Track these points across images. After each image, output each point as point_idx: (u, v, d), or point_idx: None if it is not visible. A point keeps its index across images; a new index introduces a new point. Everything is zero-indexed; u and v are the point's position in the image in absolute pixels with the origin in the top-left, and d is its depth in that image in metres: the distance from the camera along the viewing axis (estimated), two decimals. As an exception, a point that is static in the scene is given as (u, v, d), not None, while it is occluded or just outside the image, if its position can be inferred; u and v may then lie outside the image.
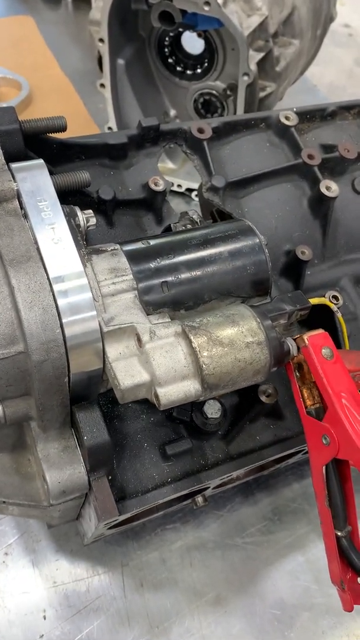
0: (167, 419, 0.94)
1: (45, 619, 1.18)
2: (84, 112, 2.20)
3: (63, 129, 0.94)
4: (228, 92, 1.79)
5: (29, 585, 1.21)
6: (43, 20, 2.61)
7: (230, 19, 1.45)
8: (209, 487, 1.07)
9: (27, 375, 0.77)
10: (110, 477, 0.90)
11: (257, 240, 0.91)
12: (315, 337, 0.82)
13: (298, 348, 0.84)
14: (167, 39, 1.80)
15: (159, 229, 1.07)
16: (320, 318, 1.05)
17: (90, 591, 1.22)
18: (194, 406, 0.93)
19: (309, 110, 1.26)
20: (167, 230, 1.08)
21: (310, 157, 1.15)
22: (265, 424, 1.02)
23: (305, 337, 0.83)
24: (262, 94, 1.66)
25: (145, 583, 1.24)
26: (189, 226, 1.12)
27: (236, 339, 0.78)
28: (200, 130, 1.12)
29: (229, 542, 1.30)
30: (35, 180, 0.80)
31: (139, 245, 0.87)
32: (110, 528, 1.03)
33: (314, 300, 0.89)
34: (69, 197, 1.00)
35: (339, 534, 0.84)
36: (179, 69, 1.86)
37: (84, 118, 2.19)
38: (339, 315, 0.98)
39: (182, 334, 0.78)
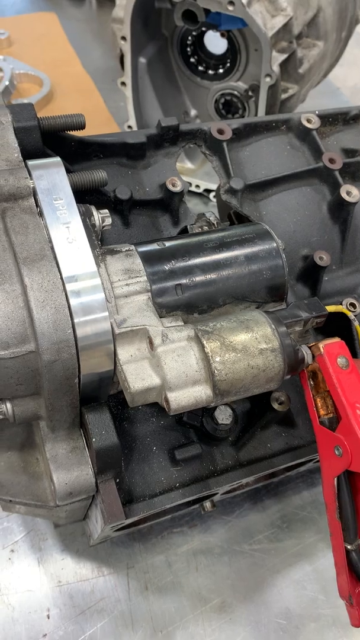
0: (177, 423, 0.93)
1: (49, 618, 1.18)
2: (104, 110, 2.20)
3: (82, 126, 0.93)
4: (250, 93, 1.78)
5: (33, 584, 1.21)
6: (67, 16, 2.62)
7: (254, 19, 1.43)
8: (217, 493, 1.06)
9: (37, 374, 0.76)
10: (117, 480, 0.89)
11: (275, 245, 0.89)
12: (331, 346, 0.81)
13: (313, 356, 0.82)
14: (189, 38, 1.79)
15: (175, 230, 1.06)
16: (337, 325, 1.03)
17: (95, 592, 1.21)
18: (205, 411, 0.92)
19: (332, 113, 1.24)
20: (184, 232, 1.07)
21: (332, 161, 1.13)
22: (277, 431, 1.00)
23: (320, 345, 0.81)
24: (284, 96, 1.64)
25: (150, 586, 1.23)
26: (205, 228, 1.11)
27: (250, 345, 0.77)
28: (220, 131, 1.11)
29: (236, 548, 1.29)
30: (52, 178, 0.79)
31: (154, 246, 0.86)
32: (116, 530, 1.02)
33: (330, 308, 0.87)
34: (86, 195, 0.99)
35: (348, 547, 0.82)
36: (200, 68, 1.84)
37: (105, 116, 2.18)
38: (356, 323, 0.96)
39: (195, 338, 0.77)
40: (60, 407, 0.81)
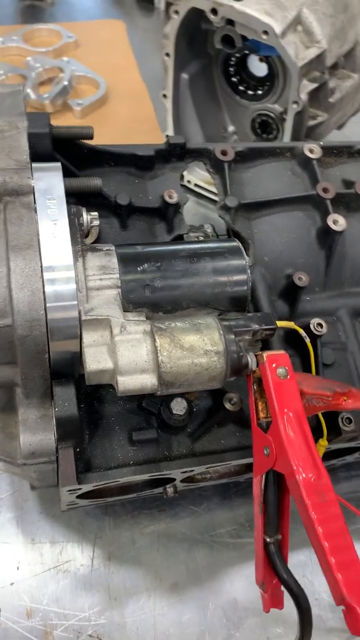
0: (138, 407, 1.04)
1: (18, 569, 1.31)
2: (152, 118, 2.33)
3: (90, 137, 1.06)
4: (284, 116, 1.86)
5: (10, 537, 1.35)
6: (135, 25, 2.77)
7: (285, 49, 1.52)
8: (175, 479, 1.16)
9: (13, 346, 0.89)
10: (78, 450, 1.01)
11: (243, 262, 0.99)
12: (274, 356, 0.90)
13: (258, 363, 0.91)
14: (233, 59, 1.89)
15: (169, 237, 1.17)
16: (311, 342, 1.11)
17: (63, 554, 1.34)
18: (163, 400, 1.02)
19: (337, 146, 1.32)
20: (177, 239, 1.18)
21: (325, 190, 1.21)
22: (232, 430, 1.09)
23: (264, 354, 0.90)
24: (312, 123, 1.72)
25: (113, 558, 1.34)
26: (201, 238, 1.21)
27: (197, 345, 0.87)
28: (224, 153, 1.21)
29: (197, 537, 1.39)
30: (49, 181, 0.92)
31: (133, 249, 0.98)
32: (80, 497, 1.13)
33: (281, 323, 0.96)
34: (90, 198, 1.12)
35: (267, 539, 0.91)
36: (241, 88, 1.94)
37: (152, 124, 2.31)
38: (308, 341, 1.04)
39: (150, 333, 0.88)
40: (32, 378, 0.93)
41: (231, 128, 2.05)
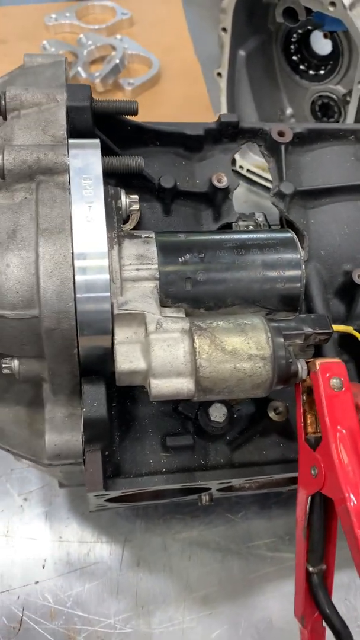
0: (173, 411, 0.95)
1: (44, 567, 1.26)
2: (205, 99, 2.22)
3: (134, 112, 0.97)
4: (347, 99, 1.72)
5: (37, 533, 1.29)
6: (190, 1, 2.65)
7: (354, 22, 1.39)
8: (210, 489, 1.07)
9: (39, 339, 0.82)
10: (107, 453, 0.93)
11: (297, 255, 0.88)
12: (327, 365, 0.79)
13: (309, 372, 0.81)
14: (295, 35, 1.76)
15: (215, 225, 1.06)
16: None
17: (90, 555, 1.28)
18: (201, 405, 0.93)
19: None
20: (225, 228, 1.08)
21: (393, 178, 1.08)
22: (276, 441, 0.99)
23: (317, 362, 0.80)
24: (380, 106, 1.57)
25: (142, 563, 1.27)
26: (251, 227, 1.11)
27: (240, 348, 0.77)
28: (281, 134, 1.09)
29: (232, 547, 1.30)
30: (86, 159, 0.84)
31: (175, 237, 0.88)
32: (108, 501, 1.06)
33: (339, 328, 0.85)
34: (133, 179, 1.03)
35: (310, 569, 0.81)
36: (302, 67, 1.81)
37: (204, 104, 2.20)
38: (367, 347, 0.93)
39: (189, 332, 0.79)
40: (60, 373, 0.86)
41: (289, 110, 1.92)
